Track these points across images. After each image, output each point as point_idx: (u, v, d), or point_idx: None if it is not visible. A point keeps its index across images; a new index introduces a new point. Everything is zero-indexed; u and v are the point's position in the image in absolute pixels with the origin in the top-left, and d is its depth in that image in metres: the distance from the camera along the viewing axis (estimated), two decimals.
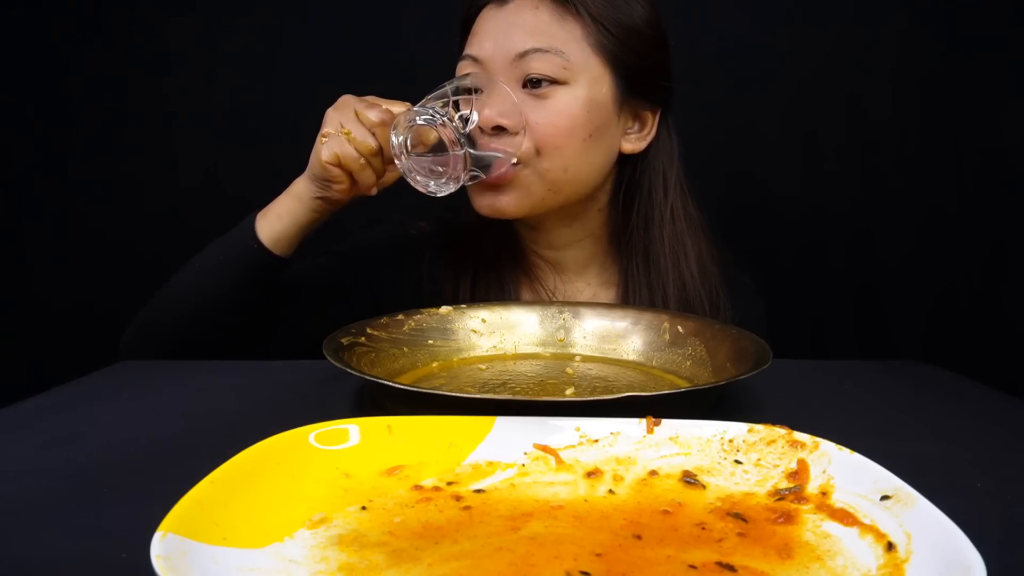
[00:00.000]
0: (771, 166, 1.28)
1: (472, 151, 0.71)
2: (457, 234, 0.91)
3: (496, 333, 0.72)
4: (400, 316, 0.69)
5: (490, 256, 0.89)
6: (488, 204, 0.80)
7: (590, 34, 0.78)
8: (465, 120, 0.71)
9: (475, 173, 0.73)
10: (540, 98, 0.77)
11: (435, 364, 0.67)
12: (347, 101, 0.75)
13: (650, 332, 0.71)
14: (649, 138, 0.85)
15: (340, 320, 0.81)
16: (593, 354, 0.71)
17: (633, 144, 0.84)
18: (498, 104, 0.75)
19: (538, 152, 0.77)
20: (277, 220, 0.78)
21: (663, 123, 0.86)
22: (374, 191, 0.77)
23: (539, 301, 0.85)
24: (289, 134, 0.77)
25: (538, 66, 0.76)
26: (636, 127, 0.85)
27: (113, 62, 1.28)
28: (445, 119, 0.68)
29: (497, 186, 0.78)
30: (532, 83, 0.77)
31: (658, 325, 0.71)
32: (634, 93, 0.82)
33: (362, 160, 0.73)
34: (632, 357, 0.70)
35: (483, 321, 0.73)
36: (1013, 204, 1.14)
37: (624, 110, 0.82)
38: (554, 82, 0.77)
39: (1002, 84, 1.16)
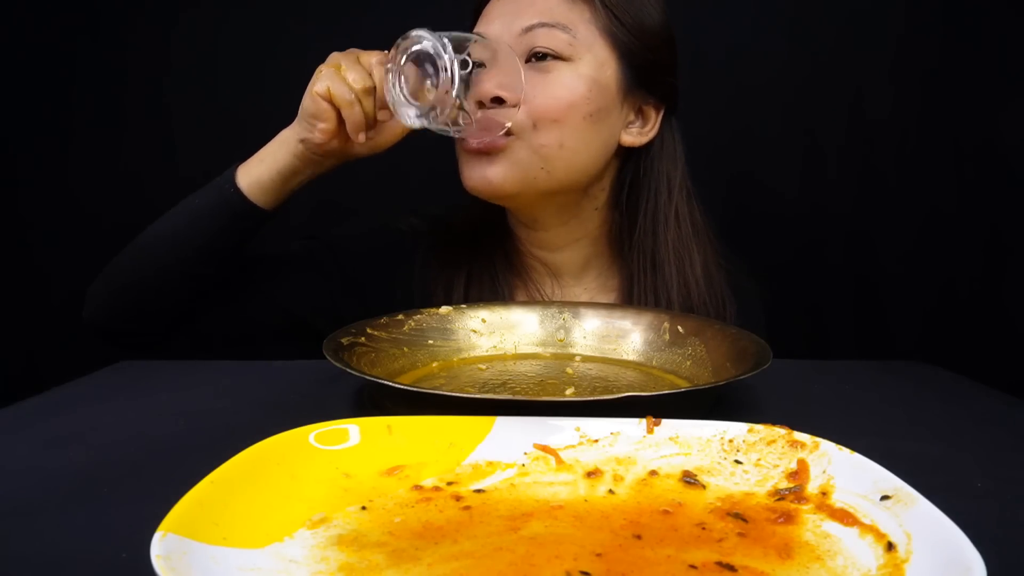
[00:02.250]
0: (770, 166, 1.27)
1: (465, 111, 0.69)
2: (450, 233, 0.89)
3: (496, 333, 0.72)
4: (400, 316, 0.69)
5: (484, 257, 0.88)
6: (478, 175, 0.78)
7: (599, 18, 0.78)
8: (464, 62, 0.68)
9: (460, 123, 0.71)
10: (543, 72, 0.77)
11: (435, 364, 0.67)
12: (352, 50, 0.75)
13: (650, 332, 0.71)
14: (651, 134, 0.84)
15: (318, 304, 0.81)
16: (593, 354, 0.71)
17: (634, 138, 0.83)
18: (499, 75, 0.74)
19: (535, 126, 0.76)
20: (257, 164, 0.76)
21: (666, 122, 0.85)
22: (361, 138, 0.73)
23: (539, 301, 0.84)
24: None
25: (543, 40, 0.76)
26: (639, 122, 0.84)
27: (114, 60, 1.28)
28: (447, 49, 0.66)
29: (487, 155, 0.77)
30: (537, 57, 0.77)
31: (658, 325, 0.71)
32: (639, 85, 0.81)
33: (352, 97, 0.71)
34: (632, 357, 0.70)
35: (483, 321, 0.73)
36: (1013, 204, 1.14)
37: (627, 101, 0.81)
38: (558, 58, 0.77)
39: (1002, 84, 1.16)
